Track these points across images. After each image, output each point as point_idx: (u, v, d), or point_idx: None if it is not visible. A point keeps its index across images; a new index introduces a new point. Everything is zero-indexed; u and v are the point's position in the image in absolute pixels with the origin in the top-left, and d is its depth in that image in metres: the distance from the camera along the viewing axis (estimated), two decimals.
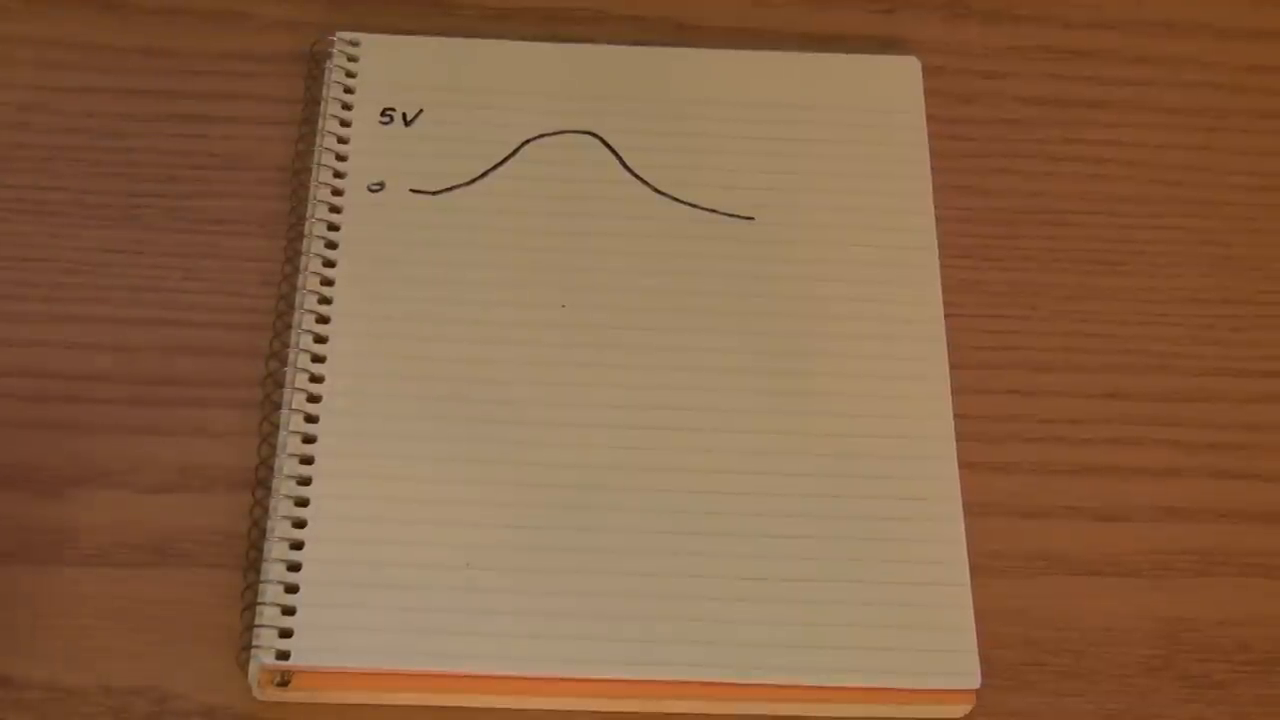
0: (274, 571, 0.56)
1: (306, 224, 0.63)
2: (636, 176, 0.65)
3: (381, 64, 0.67)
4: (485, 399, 0.60)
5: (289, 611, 0.56)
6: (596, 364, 0.61)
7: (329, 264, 0.62)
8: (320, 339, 0.61)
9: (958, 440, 0.60)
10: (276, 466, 0.59)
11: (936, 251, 0.64)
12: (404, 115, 0.66)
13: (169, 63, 0.68)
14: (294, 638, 0.55)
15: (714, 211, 0.64)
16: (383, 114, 0.66)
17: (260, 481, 0.59)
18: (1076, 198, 0.68)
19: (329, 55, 0.67)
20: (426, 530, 0.57)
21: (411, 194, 0.64)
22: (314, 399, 0.59)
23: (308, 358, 0.60)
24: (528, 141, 0.65)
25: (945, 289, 0.63)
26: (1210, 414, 0.63)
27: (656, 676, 0.56)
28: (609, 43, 0.69)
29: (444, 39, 0.68)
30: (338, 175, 0.64)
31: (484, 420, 0.59)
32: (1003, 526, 0.60)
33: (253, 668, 0.55)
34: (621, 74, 0.67)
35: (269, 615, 0.56)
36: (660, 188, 0.65)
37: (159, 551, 0.58)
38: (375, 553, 0.57)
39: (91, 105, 0.67)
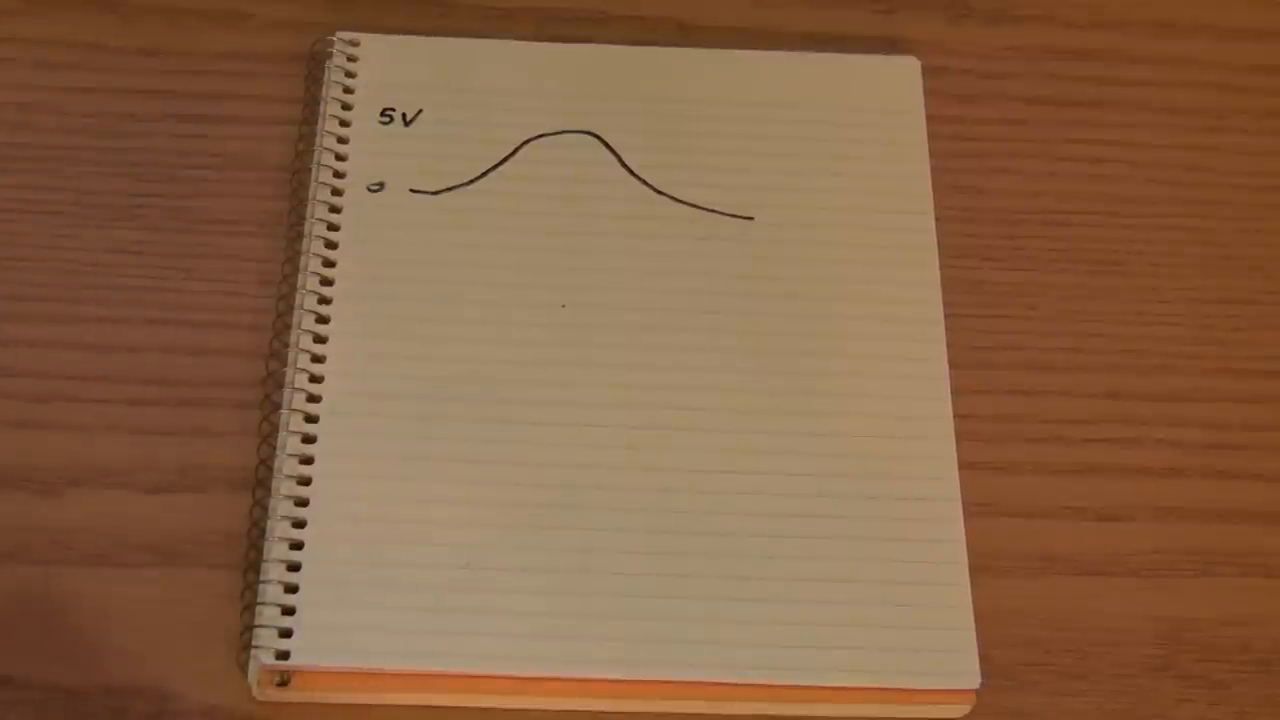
0: (274, 571, 0.56)
1: (306, 224, 0.63)
2: (636, 176, 0.65)
3: (381, 64, 0.67)
4: (485, 399, 0.60)
5: (289, 611, 0.56)
6: (596, 364, 0.61)
7: (329, 264, 0.62)
8: (320, 339, 0.61)
9: (958, 440, 0.60)
10: (276, 466, 0.59)
11: (936, 251, 0.64)
12: (404, 115, 0.66)
13: (169, 63, 0.68)
14: (294, 637, 0.55)
15: (714, 211, 0.64)
16: (382, 114, 0.66)
17: (260, 481, 0.59)
18: (1077, 198, 0.67)
19: (329, 55, 0.67)
20: (426, 530, 0.57)
21: (411, 194, 0.64)
22: (314, 399, 0.59)
23: (307, 358, 0.60)
24: (528, 141, 0.65)
25: (945, 289, 0.63)
26: (1211, 414, 0.63)
27: (656, 676, 0.56)
28: (609, 43, 0.69)
29: (444, 39, 0.68)
30: (337, 175, 0.64)
31: (484, 420, 0.59)
32: (1003, 526, 0.60)
33: (252, 668, 0.55)
34: (621, 74, 0.67)
35: (269, 615, 0.56)
36: (660, 188, 0.65)
37: (159, 551, 0.58)
38: (375, 553, 0.57)
39: (91, 105, 0.67)
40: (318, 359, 0.60)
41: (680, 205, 0.65)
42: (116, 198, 0.65)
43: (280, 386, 0.60)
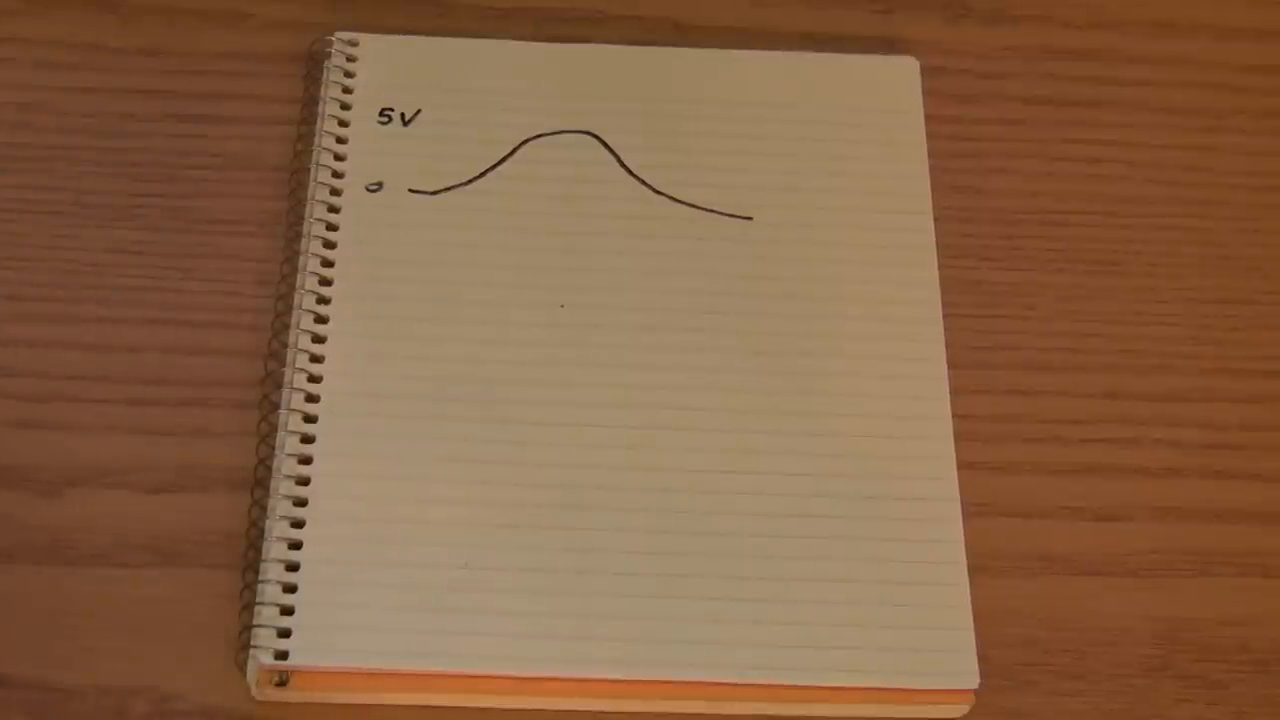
0: (272, 571, 0.56)
1: (305, 224, 0.63)
2: (635, 176, 0.65)
3: (380, 64, 0.67)
4: (484, 399, 0.60)
5: (287, 611, 0.56)
6: (595, 364, 0.61)
7: (327, 264, 0.62)
8: (319, 339, 0.61)
9: (956, 440, 0.60)
10: (275, 466, 0.59)
11: (935, 251, 0.64)
12: (402, 115, 0.66)
13: (169, 63, 0.68)
14: (292, 637, 0.55)
15: (713, 211, 0.64)
16: (381, 114, 0.66)
17: (259, 481, 0.59)
18: (1075, 198, 0.68)
19: (328, 55, 0.67)
20: (425, 530, 0.57)
21: (410, 194, 0.64)
22: (312, 399, 0.59)
23: (306, 357, 0.60)
24: (526, 141, 0.65)
25: (944, 289, 0.64)
26: (1209, 414, 0.63)
27: (656, 676, 0.56)
28: (608, 43, 0.69)
29: (443, 39, 0.68)
30: (336, 175, 0.64)
31: (483, 420, 0.60)
32: (1002, 526, 0.60)
33: (251, 668, 0.55)
34: (620, 74, 0.67)
35: (267, 615, 0.56)
36: (659, 188, 0.65)
37: (159, 551, 0.58)
38: (374, 552, 0.57)
39: (91, 105, 0.67)
40: (316, 359, 0.60)
41: (679, 205, 0.65)
42: (116, 198, 0.65)
43: (279, 386, 0.60)
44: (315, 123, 0.66)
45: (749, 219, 0.64)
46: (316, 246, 0.62)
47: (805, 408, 0.61)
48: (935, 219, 0.65)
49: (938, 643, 0.57)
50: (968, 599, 0.58)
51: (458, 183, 0.64)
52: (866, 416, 0.61)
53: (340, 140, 0.65)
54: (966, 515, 0.59)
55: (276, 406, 0.60)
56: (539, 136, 0.66)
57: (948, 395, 0.61)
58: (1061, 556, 0.60)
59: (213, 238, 0.64)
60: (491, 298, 0.62)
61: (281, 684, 0.55)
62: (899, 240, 0.64)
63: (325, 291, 0.62)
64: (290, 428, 0.59)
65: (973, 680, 0.56)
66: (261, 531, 0.58)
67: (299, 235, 0.63)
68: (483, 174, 0.65)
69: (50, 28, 0.68)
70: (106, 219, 0.64)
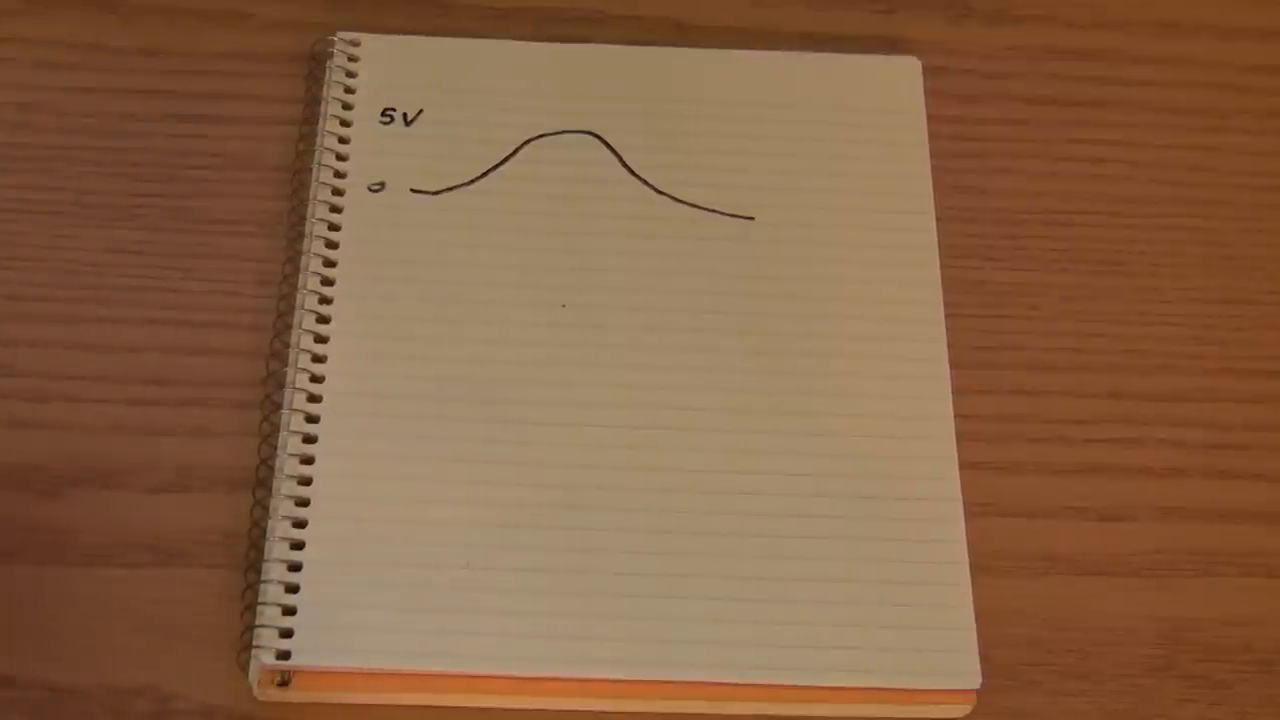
0: (274, 571, 0.56)
1: (307, 224, 0.63)
2: (637, 176, 0.65)
3: (382, 64, 0.67)
4: (485, 399, 0.60)
5: (289, 611, 0.56)
6: (596, 364, 0.61)
7: (329, 264, 0.62)
8: (320, 339, 0.61)
9: (958, 440, 0.60)
10: (277, 466, 0.59)
11: (937, 251, 0.64)
12: (404, 115, 0.66)
13: (169, 63, 0.68)
14: (294, 637, 0.55)
15: (714, 211, 0.64)
16: (383, 114, 0.66)
17: (260, 481, 0.59)
18: (1078, 198, 0.67)
19: (329, 55, 0.67)
20: (426, 530, 0.57)
21: (412, 194, 0.64)
22: (314, 399, 0.59)
23: (308, 358, 0.60)
24: (528, 141, 0.65)
25: (946, 289, 0.63)
26: (1212, 414, 0.63)
27: (656, 676, 0.56)
28: (609, 43, 0.69)
29: (444, 39, 0.68)
30: (338, 175, 0.64)
31: (484, 420, 0.59)
32: (1004, 526, 0.60)
33: (253, 668, 0.55)
34: (621, 74, 0.67)
35: (269, 615, 0.56)
36: (660, 188, 0.65)
37: (159, 551, 0.58)
38: (375, 552, 0.57)
39: (91, 105, 0.67)
40: (318, 359, 0.60)
41: (680, 205, 0.65)
42: (116, 198, 0.65)
43: (281, 386, 0.60)
44: (317, 123, 0.66)
45: (750, 219, 0.64)
46: (318, 246, 0.62)
47: (807, 408, 0.61)
48: (938, 219, 0.65)
49: (939, 643, 0.57)
50: (969, 599, 0.57)
51: (460, 183, 0.64)
52: (868, 416, 0.60)
53: (342, 140, 0.65)
54: (969, 515, 0.59)
55: (278, 406, 0.60)
56: (541, 136, 0.66)
57: (950, 395, 0.61)
58: (1065, 556, 0.60)
59: (213, 238, 0.64)
60: (493, 298, 0.62)
61: (283, 684, 0.55)
62: (901, 240, 0.64)
63: (327, 291, 0.62)
64: (292, 428, 0.59)
65: (975, 680, 0.56)
66: (263, 531, 0.58)
67: (301, 235, 0.63)
68: (485, 174, 0.65)
69: (50, 28, 0.68)
70: (106, 219, 0.64)
